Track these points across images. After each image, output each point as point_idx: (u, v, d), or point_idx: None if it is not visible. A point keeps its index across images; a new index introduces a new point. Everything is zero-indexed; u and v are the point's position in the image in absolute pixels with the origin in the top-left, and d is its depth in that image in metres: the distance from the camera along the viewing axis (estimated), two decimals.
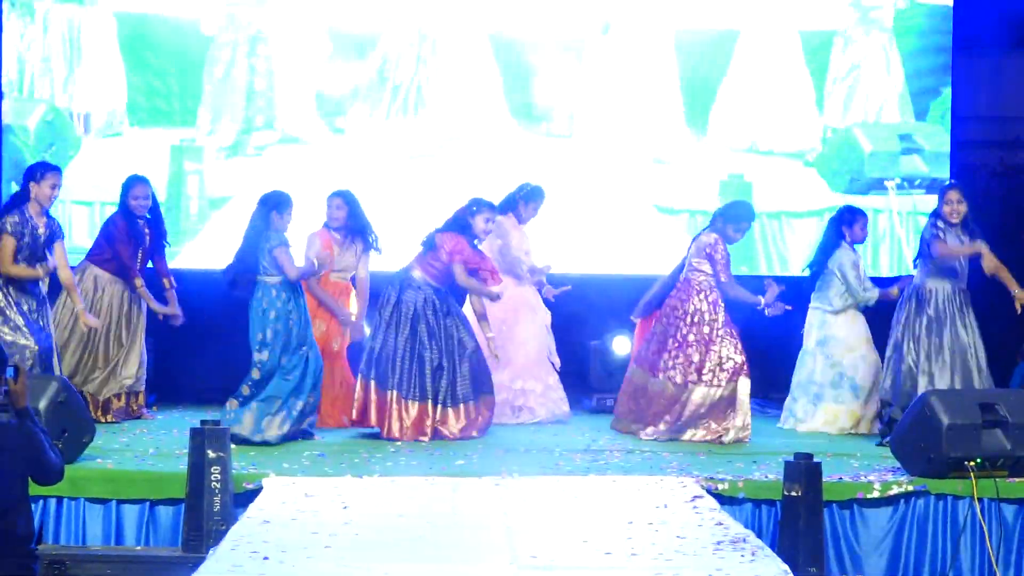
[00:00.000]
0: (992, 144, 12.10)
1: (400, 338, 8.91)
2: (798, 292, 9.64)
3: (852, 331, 9.56)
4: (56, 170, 8.74)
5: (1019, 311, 8.82)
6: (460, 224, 9.11)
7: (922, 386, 8.66)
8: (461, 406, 8.94)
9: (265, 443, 8.31)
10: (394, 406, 8.82)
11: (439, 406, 8.89)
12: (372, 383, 8.88)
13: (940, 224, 8.83)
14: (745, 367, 8.93)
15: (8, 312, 8.46)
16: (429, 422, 8.86)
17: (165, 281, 9.61)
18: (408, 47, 11.28)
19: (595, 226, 11.23)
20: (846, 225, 9.53)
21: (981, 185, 11.73)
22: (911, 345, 8.90)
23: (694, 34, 11.44)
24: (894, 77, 11.57)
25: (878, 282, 9.66)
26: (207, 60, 11.14)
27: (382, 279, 9.36)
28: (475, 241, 9.14)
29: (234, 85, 11.19)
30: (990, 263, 8.79)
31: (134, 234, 9.44)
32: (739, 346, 8.97)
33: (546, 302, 9.98)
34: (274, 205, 8.53)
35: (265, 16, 11.25)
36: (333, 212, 9.47)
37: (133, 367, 9.48)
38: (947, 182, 9.74)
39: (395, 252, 9.59)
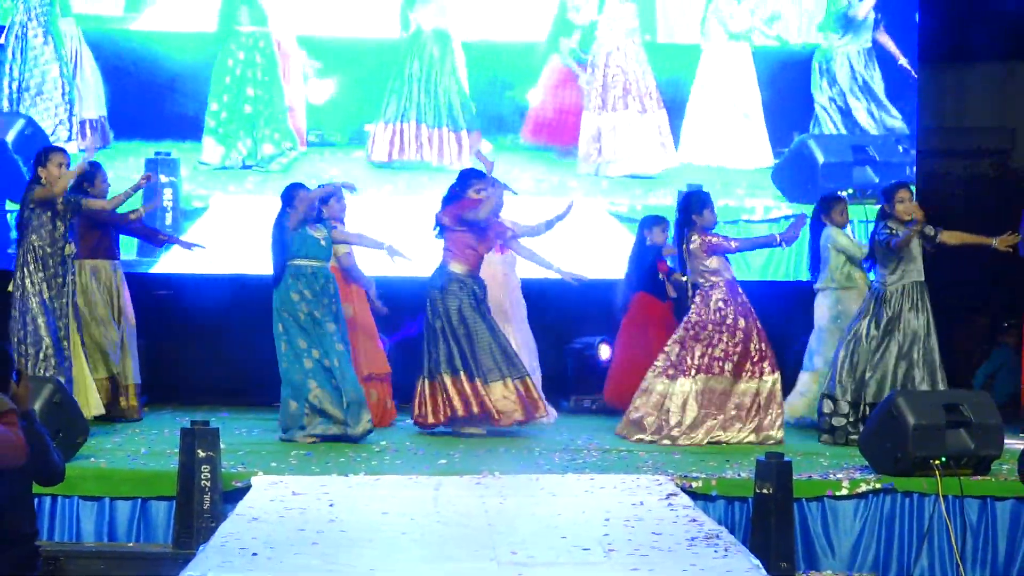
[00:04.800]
0: (956, 153, 12.26)
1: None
2: (784, 294, 9.83)
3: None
4: (60, 151, 8.73)
5: (1000, 246, 9.02)
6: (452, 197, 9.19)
7: (874, 386, 8.88)
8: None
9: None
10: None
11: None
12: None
13: (891, 224, 8.94)
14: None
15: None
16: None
17: None
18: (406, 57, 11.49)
19: (573, 233, 11.32)
20: (825, 214, 9.78)
21: (946, 193, 11.88)
22: (864, 344, 9.04)
23: (662, 48, 11.67)
24: (859, 89, 11.74)
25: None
26: (214, 72, 11.28)
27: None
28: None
29: (232, 99, 11.34)
30: (951, 237, 9.00)
31: None
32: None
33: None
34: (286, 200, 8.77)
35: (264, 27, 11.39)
36: (342, 204, 9.43)
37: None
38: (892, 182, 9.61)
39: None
